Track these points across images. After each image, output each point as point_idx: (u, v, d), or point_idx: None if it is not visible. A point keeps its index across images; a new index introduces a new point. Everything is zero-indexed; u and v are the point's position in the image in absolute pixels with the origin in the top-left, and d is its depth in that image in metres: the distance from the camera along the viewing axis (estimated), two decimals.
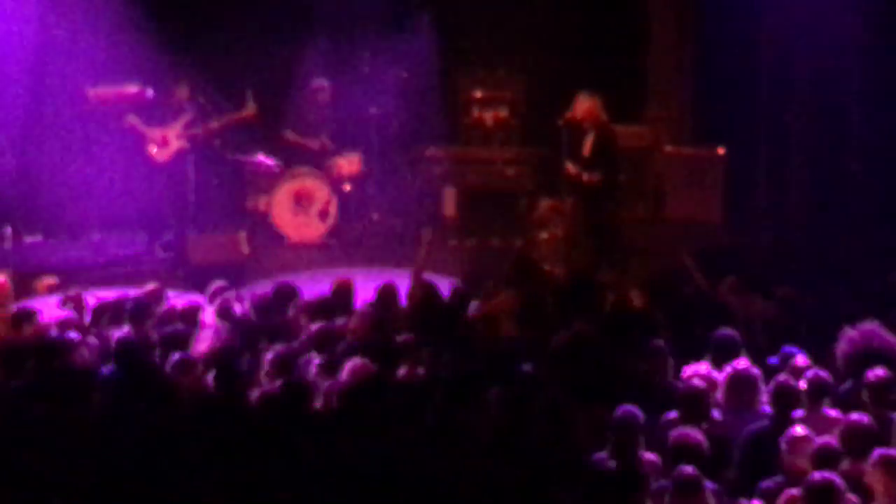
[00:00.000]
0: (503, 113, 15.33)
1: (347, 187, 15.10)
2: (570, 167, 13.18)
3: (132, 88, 14.60)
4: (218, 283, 10.96)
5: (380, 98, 15.24)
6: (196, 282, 12.28)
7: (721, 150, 14.68)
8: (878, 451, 7.00)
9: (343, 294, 10.69)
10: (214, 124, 14.20)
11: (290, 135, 15.05)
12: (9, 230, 13.94)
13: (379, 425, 7.51)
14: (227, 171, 15.05)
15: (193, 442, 7.19)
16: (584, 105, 13.03)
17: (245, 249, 13.98)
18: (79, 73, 14.57)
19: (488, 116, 15.32)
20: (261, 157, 14.78)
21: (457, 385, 8.11)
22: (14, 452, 7.24)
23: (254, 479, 6.77)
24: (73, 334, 9.24)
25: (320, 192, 14.83)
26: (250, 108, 14.36)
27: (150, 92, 14.49)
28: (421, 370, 8.88)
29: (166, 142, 13.98)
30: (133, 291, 10.83)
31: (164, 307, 10.30)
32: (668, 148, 14.98)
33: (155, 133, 14.00)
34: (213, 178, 14.80)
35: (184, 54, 14.51)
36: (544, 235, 14.56)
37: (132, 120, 14.09)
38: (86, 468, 6.98)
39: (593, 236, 13.35)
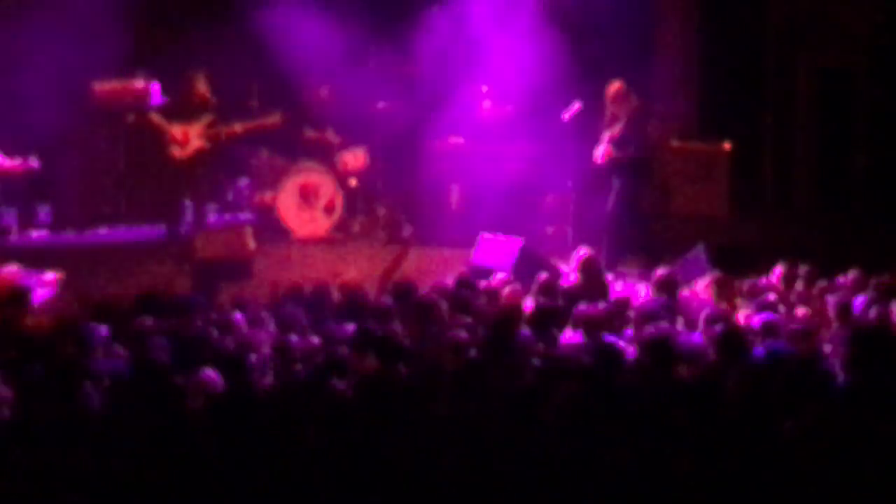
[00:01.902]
0: (507, 108, 15.32)
1: (353, 182, 15.11)
2: (600, 152, 13.31)
3: (139, 83, 14.59)
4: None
5: (386, 93, 15.24)
6: (202, 277, 12.28)
7: (727, 145, 14.66)
8: None
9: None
10: (238, 128, 14.17)
11: (309, 132, 15.10)
12: (14, 224, 13.93)
13: None
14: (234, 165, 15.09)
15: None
16: (613, 90, 13.29)
17: (251, 244, 13.96)
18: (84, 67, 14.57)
19: (492, 111, 15.30)
20: None
21: None
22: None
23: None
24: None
25: (326, 186, 14.83)
26: (275, 117, 14.40)
27: (156, 87, 14.47)
28: None
29: (187, 140, 13.94)
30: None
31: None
32: (675, 143, 14.97)
33: (177, 131, 13.95)
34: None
35: (187, 49, 14.51)
36: (550, 230, 14.56)
37: (156, 118, 14.03)
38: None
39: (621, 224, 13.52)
